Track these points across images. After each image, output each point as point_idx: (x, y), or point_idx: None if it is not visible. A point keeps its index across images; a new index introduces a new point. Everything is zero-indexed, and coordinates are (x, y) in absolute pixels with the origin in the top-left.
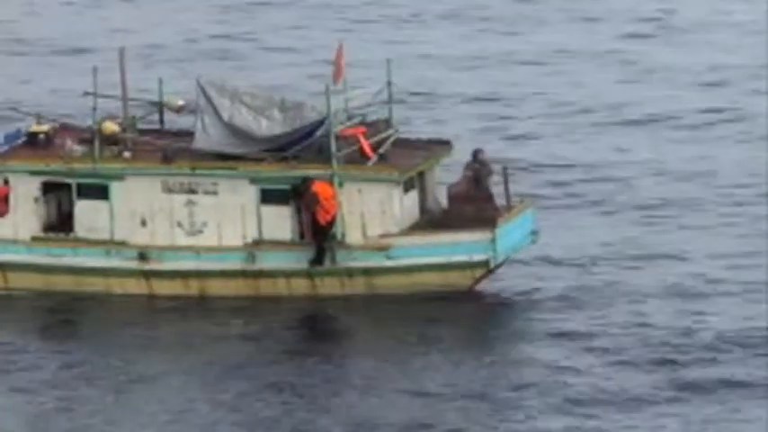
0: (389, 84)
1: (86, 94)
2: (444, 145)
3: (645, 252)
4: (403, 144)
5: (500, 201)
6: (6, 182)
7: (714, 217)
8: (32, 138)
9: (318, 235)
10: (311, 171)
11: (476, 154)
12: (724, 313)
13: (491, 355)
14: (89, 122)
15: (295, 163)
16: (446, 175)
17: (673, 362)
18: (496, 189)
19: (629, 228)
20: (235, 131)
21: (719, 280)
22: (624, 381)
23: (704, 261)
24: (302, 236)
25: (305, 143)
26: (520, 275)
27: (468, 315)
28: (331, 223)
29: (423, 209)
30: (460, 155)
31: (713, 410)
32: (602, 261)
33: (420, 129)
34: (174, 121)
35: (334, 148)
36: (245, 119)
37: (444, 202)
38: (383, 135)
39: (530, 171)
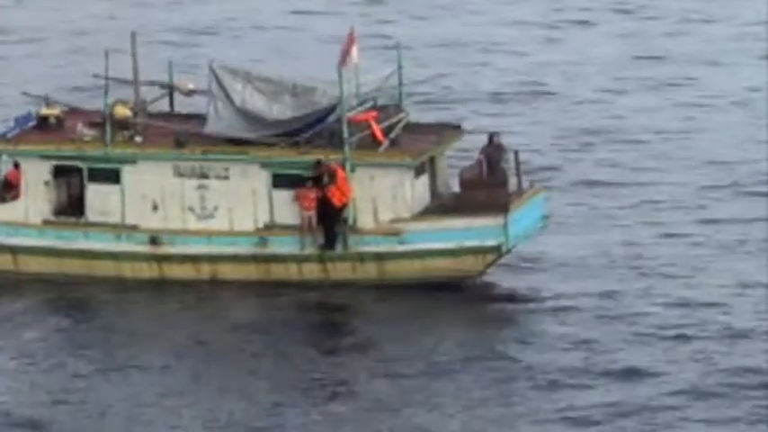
0: (400, 68)
1: (96, 76)
2: (455, 129)
3: None
4: (413, 128)
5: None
6: (17, 165)
7: None
8: (43, 121)
9: (331, 218)
10: (323, 156)
11: (491, 138)
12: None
13: (500, 346)
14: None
15: (307, 148)
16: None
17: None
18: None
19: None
20: (247, 116)
21: None
22: (636, 382)
23: None
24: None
25: (317, 128)
26: (529, 261)
27: (478, 301)
28: (345, 206)
29: (433, 193)
30: None
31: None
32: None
33: None
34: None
35: (346, 133)
36: (256, 103)
37: (455, 186)
38: (394, 120)
39: None
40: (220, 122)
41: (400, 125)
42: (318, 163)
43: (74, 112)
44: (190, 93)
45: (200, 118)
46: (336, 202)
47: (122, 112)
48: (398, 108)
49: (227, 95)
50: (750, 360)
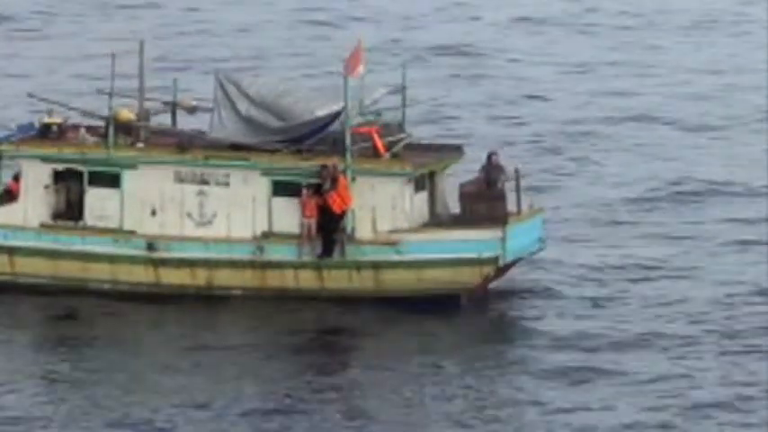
0: (404, 88)
1: (101, 93)
2: (455, 150)
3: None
4: (414, 147)
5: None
6: (17, 179)
7: None
8: (45, 129)
9: (330, 224)
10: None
11: (489, 157)
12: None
13: (492, 361)
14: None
15: (308, 155)
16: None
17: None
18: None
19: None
20: (251, 123)
21: None
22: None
23: None
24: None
25: (319, 136)
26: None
27: (474, 316)
28: (345, 213)
29: (432, 212)
30: None
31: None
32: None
33: None
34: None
35: (348, 141)
36: (261, 111)
37: (454, 207)
38: (396, 138)
39: None
40: (224, 129)
41: (402, 143)
42: (323, 167)
43: (75, 127)
44: (192, 109)
45: (202, 134)
46: (336, 208)
47: (126, 115)
48: (401, 128)
49: (232, 104)
50: None
